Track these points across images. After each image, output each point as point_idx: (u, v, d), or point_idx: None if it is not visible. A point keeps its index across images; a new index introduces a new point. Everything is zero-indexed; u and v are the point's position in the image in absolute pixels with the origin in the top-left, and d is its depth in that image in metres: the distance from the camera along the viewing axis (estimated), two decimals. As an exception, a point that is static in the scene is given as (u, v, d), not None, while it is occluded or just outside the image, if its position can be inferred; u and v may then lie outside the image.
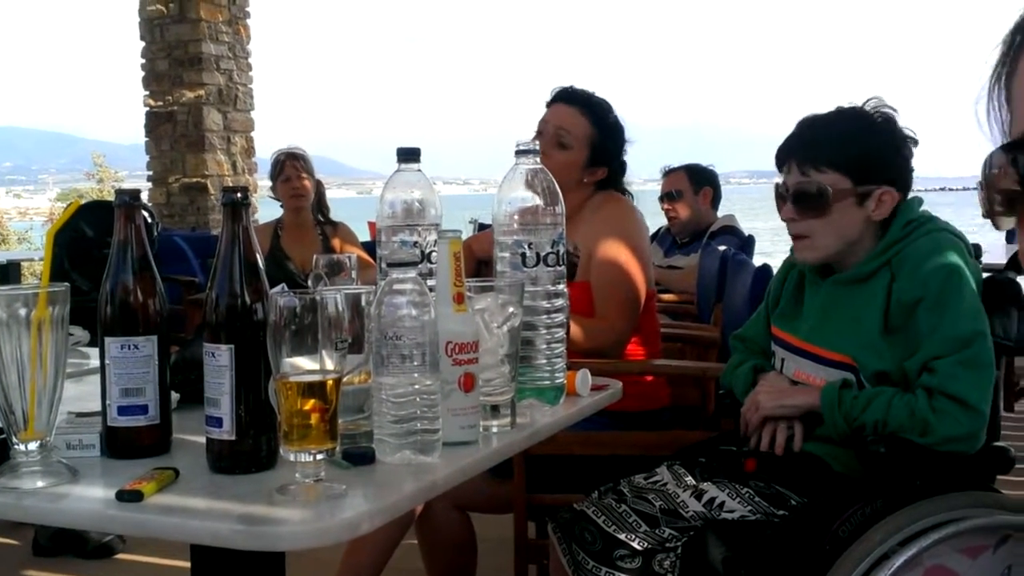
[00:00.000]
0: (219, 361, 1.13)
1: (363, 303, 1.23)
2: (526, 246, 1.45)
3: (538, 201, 1.46)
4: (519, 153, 1.47)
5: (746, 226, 4.44)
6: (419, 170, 1.45)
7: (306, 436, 1.07)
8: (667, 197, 4.37)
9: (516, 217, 1.46)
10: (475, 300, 1.32)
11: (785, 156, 1.84)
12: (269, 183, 4.35)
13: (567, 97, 2.39)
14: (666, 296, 3.87)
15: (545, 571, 2.27)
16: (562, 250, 1.48)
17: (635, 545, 1.68)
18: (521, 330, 1.37)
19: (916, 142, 1.84)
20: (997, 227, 0.61)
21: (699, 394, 2.51)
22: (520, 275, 1.44)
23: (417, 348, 1.17)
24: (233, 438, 1.13)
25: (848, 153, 1.78)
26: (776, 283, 2.03)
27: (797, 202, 1.80)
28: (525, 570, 2.28)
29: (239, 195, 1.14)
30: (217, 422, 1.13)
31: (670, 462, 1.92)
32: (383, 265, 1.38)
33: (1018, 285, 1.83)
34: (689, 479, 1.83)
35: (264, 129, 8.38)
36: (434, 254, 1.41)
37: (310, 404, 1.08)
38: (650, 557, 1.67)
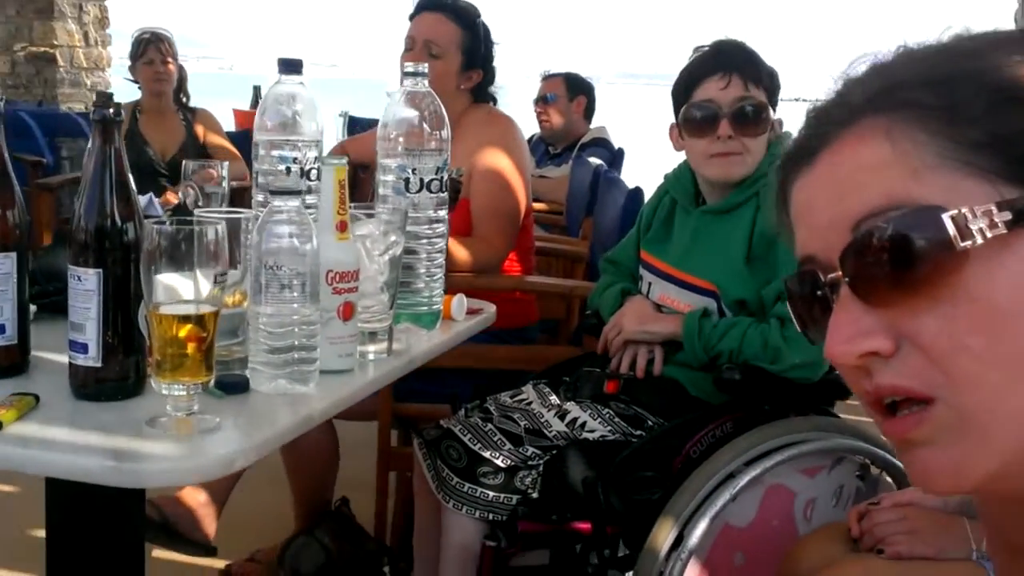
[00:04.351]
0: (85, 285, 1.07)
1: (242, 228, 1.19)
2: (410, 171, 1.42)
3: (424, 125, 1.43)
4: (406, 75, 1.43)
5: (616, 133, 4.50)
6: (301, 83, 1.39)
7: (180, 367, 1.03)
8: (541, 100, 4.38)
9: (401, 140, 1.43)
10: (356, 226, 1.29)
11: (726, 68, 1.79)
12: (123, 58, 4.09)
13: (431, 5, 2.32)
14: (537, 205, 3.90)
15: (405, 480, 2.31)
16: (446, 176, 1.46)
17: (499, 463, 1.73)
18: (402, 257, 1.36)
19: None
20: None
21: (564, 308, 2.56)
22: (403, 201, 1.42)
23: (297, 278, 1.14)
24: (99, 365, 1.08)
25: (766, 74, 1.82)
26: (649, 209, 2.07)
27: (737, 120, 1.78)
28: (386, 477, 2.31)
29: (111, 111, 1.07)
30: (82, 348, 1.08)
31: (536, 380, 1.97)
32: (259, 197, 1.34)
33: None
34: (553, 398, 1.89)
35: (119, -2, 7.77)
36: (313, 171, 1.37)
37: (186, 331, 1.04)
38: (512, 474, 1.73)
